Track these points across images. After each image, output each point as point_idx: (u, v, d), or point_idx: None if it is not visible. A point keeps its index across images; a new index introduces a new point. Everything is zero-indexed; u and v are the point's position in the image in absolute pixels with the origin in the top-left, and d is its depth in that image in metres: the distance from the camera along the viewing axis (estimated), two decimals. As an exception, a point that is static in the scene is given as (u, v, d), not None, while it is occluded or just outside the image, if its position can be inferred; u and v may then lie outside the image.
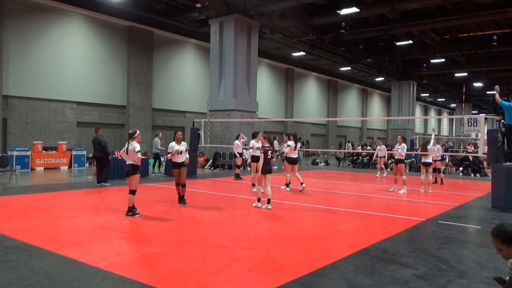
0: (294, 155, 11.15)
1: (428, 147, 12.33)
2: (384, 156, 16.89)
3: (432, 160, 12.41)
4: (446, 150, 21.36)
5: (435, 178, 14.04)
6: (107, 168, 11.69)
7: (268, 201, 8.40)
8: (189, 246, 5.39)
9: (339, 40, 23.51)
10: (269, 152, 8.46)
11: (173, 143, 8.47)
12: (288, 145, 10.98)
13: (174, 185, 8.73)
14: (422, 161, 12.09)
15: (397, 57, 29.82)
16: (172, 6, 20.17)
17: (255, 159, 10.14)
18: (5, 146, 16.58)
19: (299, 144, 11.53)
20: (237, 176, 14.00)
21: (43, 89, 17.67)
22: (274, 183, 13.34)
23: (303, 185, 11.17)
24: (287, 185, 11.38)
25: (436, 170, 13.78)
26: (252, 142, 10.74)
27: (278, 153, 20.05)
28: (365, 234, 6.37)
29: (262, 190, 8.58)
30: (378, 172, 16.97)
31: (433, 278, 4.37)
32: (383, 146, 17.21)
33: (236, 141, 13.99)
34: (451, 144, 28.78)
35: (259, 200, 8.58)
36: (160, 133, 15.77)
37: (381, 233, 6.36)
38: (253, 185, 10.79)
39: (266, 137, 8.66)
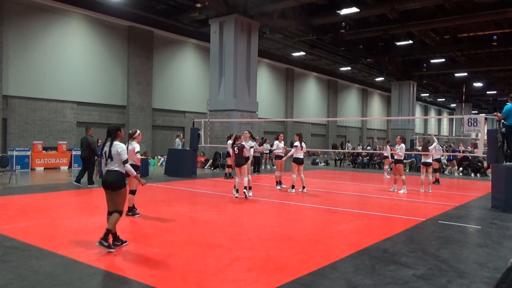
0: (301, 155, 11.14)
1: (430, 147, 12.35)
2: (387, 157, 16.85)
3: (432, 160, 12.42)
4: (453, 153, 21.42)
5: (437, 179, 14.10)
6: (90, 168, 11.32)
7: (248, 188, 9.91)
8: (189, 246, 5.39)
9: (339, 40, 23.49)
10: (235, 148, 9.84)
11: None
12: (296, 146, 11.00)
13: (174, 185, 8.69)
14: (422, 161, 12.10)
15: (397, 57, 29.81)
16: (172, 6, 20.17)
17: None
18: (5, 146, 16.58)
19: (304, 145, 11.46)
20: (227, 176, 14.18)
21: (43, 89, 17.66)
22: (272, 182, 13.33)
23: (305, 189, 11.18)
24: (292, 186, 11.30)
25: (435, 170, 13.80)
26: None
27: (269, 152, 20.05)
28: (365, 234, 6.37)
29: (239, 181, 9.89)
30: (385, 173, 16.88)
31: (433, 278, 4.37)
32: (389, 146, 17.16)
33: (230, 141, 14.03)
34: (452, 146, 28.75)
35: (237, 190, 9.96)
36: (181, 134, 16.23)
37: (381, 233, 6.36)
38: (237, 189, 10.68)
39: (236, 136, 10.19)
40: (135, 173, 5.23)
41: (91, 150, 11.14)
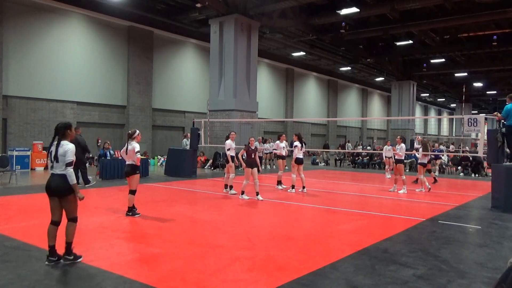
0: (300, 155, 11.15)
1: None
2: (391, 157, 16.70)
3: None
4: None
5: (434, 178, 14.12)
6: (81, 168, 11.17)
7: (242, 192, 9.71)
8: (189, 246, 5.39)
9: (339, 40, 23.50)
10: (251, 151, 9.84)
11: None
12: (296, 146, 11.03)
13: (174, 185, 8.69)
14: (419, 161, 12.15)
15: (397, 57, 29.80)
16: (172, 6, 20.17)
17: (232, 159, 10.66)
18: (5, 146, 16.58)
19: (299, 144, 11.45)
20: None
21: (43, 89, 17.66)
22: (272, 182, 13.32)
23: (305, 189, 11.19)
24: (292, 186, 11.27)
25: (428, 171, 13.81)
26: (228, 143, 10.66)
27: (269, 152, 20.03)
28: (365, 234, 6.37)
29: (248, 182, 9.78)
30: (387, 173, 16.76)
31: (433, 278, 4.37)
32: (390, 146, 17.01)
33: (227, 141, 14.02)
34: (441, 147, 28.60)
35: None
36: (188, 134, 16.32)
37: (381, 233, 6.36)
38: (225, 186, 10.82)
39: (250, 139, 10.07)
40: (75, 181, 4.55)
41: (80, 149, 10.98)
